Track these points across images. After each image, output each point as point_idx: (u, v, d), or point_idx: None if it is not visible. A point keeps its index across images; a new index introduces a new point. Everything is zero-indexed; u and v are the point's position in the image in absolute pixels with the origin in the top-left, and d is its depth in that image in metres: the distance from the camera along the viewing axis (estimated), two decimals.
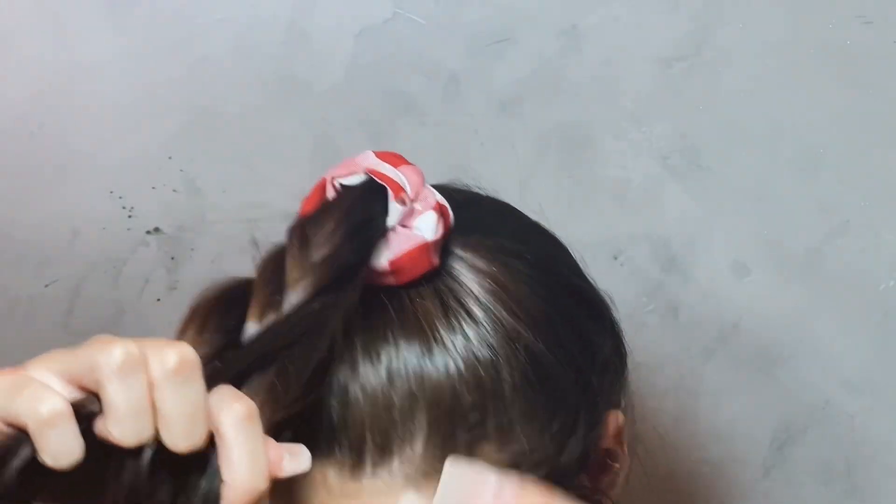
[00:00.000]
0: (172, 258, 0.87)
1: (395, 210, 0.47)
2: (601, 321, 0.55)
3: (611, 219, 0.86)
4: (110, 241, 0.86)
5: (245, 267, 0.86)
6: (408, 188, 0.48)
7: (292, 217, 0.50)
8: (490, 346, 0.47)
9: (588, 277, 0.56)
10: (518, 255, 0.51)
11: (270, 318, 0.42)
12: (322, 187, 0.50)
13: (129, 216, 0.86)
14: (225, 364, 0.40)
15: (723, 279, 0.87)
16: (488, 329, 0.47)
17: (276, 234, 0.85)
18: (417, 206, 0.48)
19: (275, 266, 0.45)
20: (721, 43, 0.83)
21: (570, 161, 0.85)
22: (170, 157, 0.85)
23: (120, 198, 0.86)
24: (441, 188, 0.51)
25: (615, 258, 0.87)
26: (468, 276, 0.48)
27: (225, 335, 0.42)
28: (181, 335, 0.42)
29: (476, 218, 0.52)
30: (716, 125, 0.84)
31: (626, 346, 0.56)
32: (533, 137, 0.85)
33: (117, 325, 0.87)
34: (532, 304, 0.49)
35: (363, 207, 0.47)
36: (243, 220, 0.86)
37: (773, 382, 0.88)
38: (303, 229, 0.46)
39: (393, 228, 0.47)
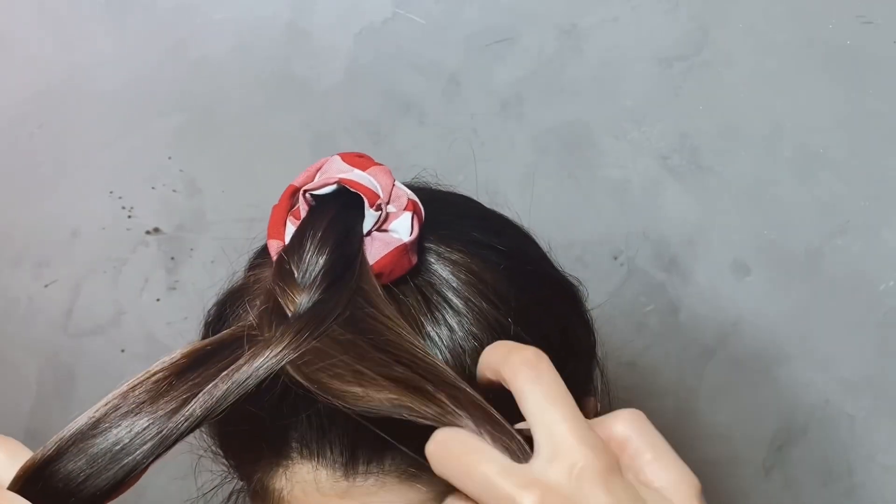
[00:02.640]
0: (172, 258, 0.87)
1: (370, 217, 0.48)
2: (574, 308, 0.55)
3: (611, 219, 0.86)
4: (110, 241, 0.86)
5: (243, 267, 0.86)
6: (381, 192, 0.48)
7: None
8: (474, 336, 0.47)
9: (557, 266, 0.56)
10: (490, 246, 0.51)
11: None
12: (288, 197, 0.50)
13: (129, 216, 0.86)
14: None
15: (723, 279, 0.87)
16: (471, 319, 0.48)
17: None
18: (391, 208, 0.48)
19: (268, 306, 0.45)
20: (721, 43, 0.83)
21: (570, 161, 0.85)
22: (170, 157, 0.85)
23: (120, 198, 0.86)
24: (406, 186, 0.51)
25: (615, 258, 0.87)
26: (445, 269, 0.49)
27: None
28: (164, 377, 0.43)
29: (445, 212, 0.53)
30: (716, 125, 0.84)
31: (595, 333, 0.56)
32: (533, 137, 0.85)
33: (117, 325, 0.87)
34: (509, 292, 0.49)
35: (340, 221, 0.48)
36: (243, 220, 0.86)
37: (773, 382, 0.88)
38: (284, 261, 0.46)
39: (369, 234, 0.47)
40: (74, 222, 0.86)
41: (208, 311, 0.55)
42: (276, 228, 0.49)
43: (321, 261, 0.45)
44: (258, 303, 0.46)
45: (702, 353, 0.88)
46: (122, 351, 0.88)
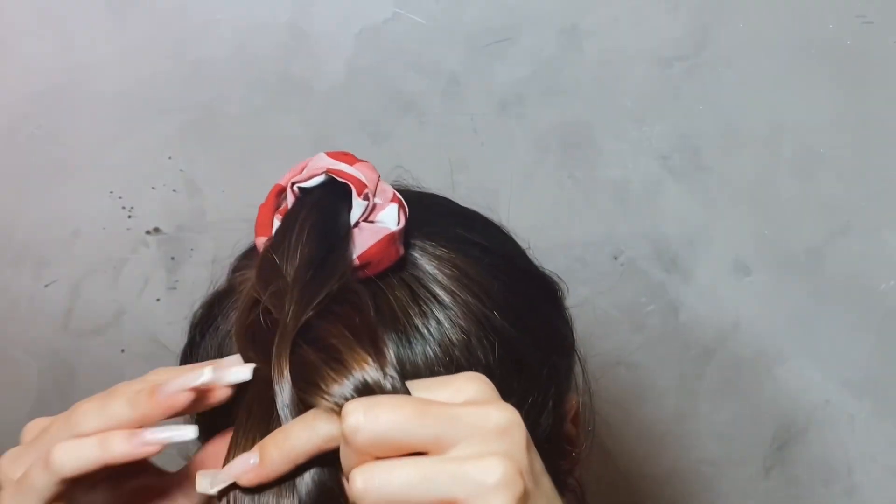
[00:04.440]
0: (172, 258, 0.87)
1: (358, 206, 0.48)
2: (556, 305, 0.56)
3: (611, 219, 0.86)
4: (110, 241, 0.86)
5: None
6: (368, 184, 0.49)
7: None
8: (461, 328, 0.48)
9: (537, 263, 0.57)
10: (473, 242, 0.52)
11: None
12: (275, 195, 0.51)
13: (129, 216, 0.86)
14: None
15: (723, 279, 0.87)
16: (458, 312, 0.48)
17: None
18: (378, 199, 0.49)
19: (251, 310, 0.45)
20: (721, 43, 0.83)
21: (570, 161, 0.85)
22: (170, 157, 0.85)
23: (120, 198, 0.86)
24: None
25: (615, 258, 0.87)
26: (430, 263, 0.50)
27: None
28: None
29: (427, 211, 0.53)
30: (716, 125, 0.84)
31: (574, 330, 0.57)
32: (533, 137, 0.85)
33: (117, 325, 0.87)
34: (493, 287, 0.50)
35: (328, 208, 0.48)
36: (243, 220, 0.86)
37: (773, 382, 0.88)
38: (269, 253, 0.47)
39: (356, 224, 0.48)
40: (74, 222, 0.86)
41: (194, 314, 0.55)
42: (264, 226, 0.50)
43: (305, 250, 0.45)
44: (244, 301, 0.46)
45: (702, 353, 0.88)
46: (122, 351, 0.88)
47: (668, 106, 0.84)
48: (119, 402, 0.41)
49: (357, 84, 0.84)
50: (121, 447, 0.40)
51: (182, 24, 0.83)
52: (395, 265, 0.48)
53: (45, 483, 0.41)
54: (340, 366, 0.40)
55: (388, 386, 0.40)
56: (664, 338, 0.88)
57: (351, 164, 0.50)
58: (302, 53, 0.83)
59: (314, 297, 0.43)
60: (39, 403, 0.88)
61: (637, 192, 0.85)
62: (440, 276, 0.49)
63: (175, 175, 0.86)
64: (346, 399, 0.39)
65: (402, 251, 0.49)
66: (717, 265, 0.87)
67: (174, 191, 0.86)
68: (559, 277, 0.56)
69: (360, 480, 0.38)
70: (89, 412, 0.41)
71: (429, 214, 0.53)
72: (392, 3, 0.83)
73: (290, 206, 0.49)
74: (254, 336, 0.44)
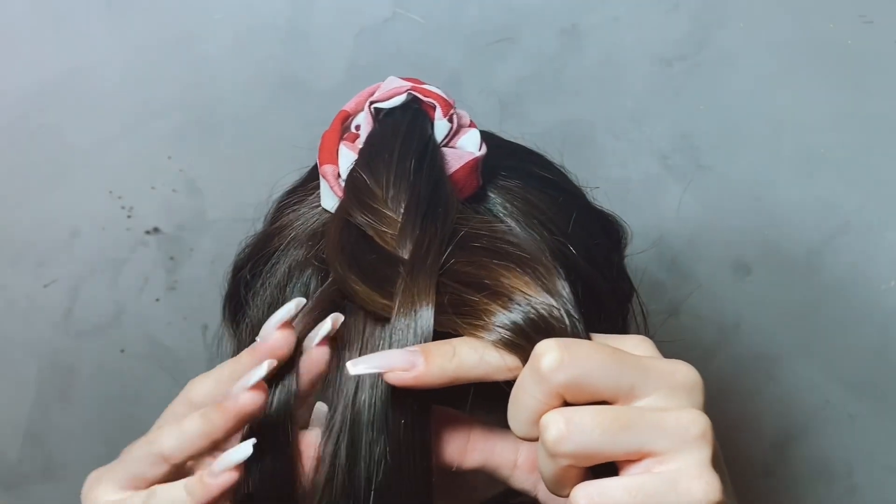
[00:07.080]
0: (172, 258, 0.87)
1: (442, 128, 0.45)
2: (620, 248, 0.54)
3: None
4: (109, 240, 0.86)
5: None
6: (453, 104, 0.45)
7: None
8: None
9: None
10: (546, 179, 0.50)
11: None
12: (340, 122, 0.47)
13: (129, 216, 0.86)
14: None
15: (723, 279, 0.87)
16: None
17: None
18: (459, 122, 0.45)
19: (348, 235, 0.41)
20: (721, 43, 0.83)
21: (570, 161, 0.85)
22: (169, 157, 0.85)
23: (119, 198, 0.86)
24: None
25: None
26: (505, 197, 0.47)
27: None
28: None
29: (499, 146, 0.51)
30: (716, 125, 0.84)
31: (630, 278, 0.55)
32: (533, 137, 0.85)
33: (117, 325, 0.87)
34: (567, 224, 0.48)
35: (417, 130, 0.44)
36: (243, 220, 0.86)
37: (773, 383, 0.88)
38: (359, 177, 0.42)
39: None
40: (74, 222, 0.86)
41: (238, 258, 0.52)
42: (330, 153, 0.46)
43: (412, 177, 0.41)
44: (336, 227, 0.42)
45: (702, 353, 0.88)
46: (122, 351, 0.88)
47: (668, 106, 0.84)
48: (193, 422, 0.39)
49: (357, 84, 0.84)
50: (203, 493, 0.39)
51: (181, 23, 0.83)
52: (471, 196, 0.45)
53: None
54: (507, 300, 0.37)
55: (570, 327, 0.37)
56: (664, 338, 0.87)
57: (422, 85, 0.46)
58: (302, 53, 0.83)
59: (443, 230, 0.40)
60: (39, 403, 0.88)
61: (637, 191, 0.85)
62: (516, 212, 0.46)
63: (174, 175, 0.85)
64: (513, 330, 0.36)
65: (480, 181, 0.45)
66: (717, 265, 0.86)
67: (174, 190, 0.86)
68: (623, 220, 0.55)
69: (562, 423, 0.34)
70: (168, 437, 0.40)
71: (501, 149, 0.50)
72: (392, 3, 0.83)
73: (366, 128, 0.46)
74: (360, 264, 0.40)
